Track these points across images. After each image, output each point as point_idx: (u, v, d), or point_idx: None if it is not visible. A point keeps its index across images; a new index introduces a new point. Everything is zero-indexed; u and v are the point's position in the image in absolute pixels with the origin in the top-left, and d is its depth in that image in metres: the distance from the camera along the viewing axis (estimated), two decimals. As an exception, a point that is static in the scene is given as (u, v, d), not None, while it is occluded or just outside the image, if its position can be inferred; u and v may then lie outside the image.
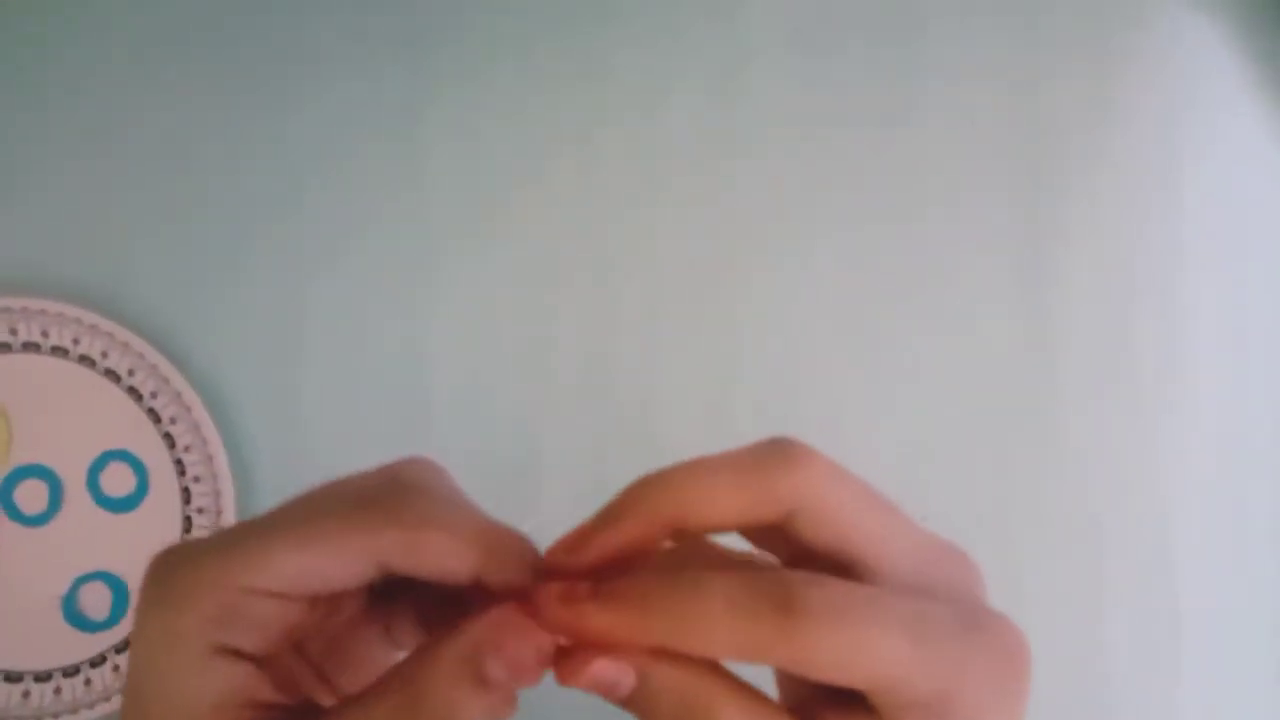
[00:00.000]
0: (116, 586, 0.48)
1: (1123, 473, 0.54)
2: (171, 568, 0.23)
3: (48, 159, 0.50)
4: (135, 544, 0.48)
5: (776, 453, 0.23)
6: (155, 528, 0.48)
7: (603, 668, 0.22)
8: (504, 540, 0.24)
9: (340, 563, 0.23)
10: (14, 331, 0.48)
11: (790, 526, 0.23)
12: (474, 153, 0.52)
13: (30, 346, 0.48)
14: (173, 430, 0.48)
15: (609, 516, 0.24)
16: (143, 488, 0.48)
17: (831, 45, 0.54)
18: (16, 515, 0.48)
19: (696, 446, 0.51)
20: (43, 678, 0.47)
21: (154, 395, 0.48)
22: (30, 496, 0.48)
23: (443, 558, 0.23)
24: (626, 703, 0.22)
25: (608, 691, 0.22)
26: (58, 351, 0.48)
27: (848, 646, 0.20)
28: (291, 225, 0.51)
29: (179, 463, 0.48)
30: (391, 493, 0.24)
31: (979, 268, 0.54)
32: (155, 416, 0.48)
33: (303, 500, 0.24)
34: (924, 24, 0.54)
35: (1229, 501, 0.55)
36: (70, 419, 0.48)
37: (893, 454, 0.53)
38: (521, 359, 0.52)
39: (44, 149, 0.50)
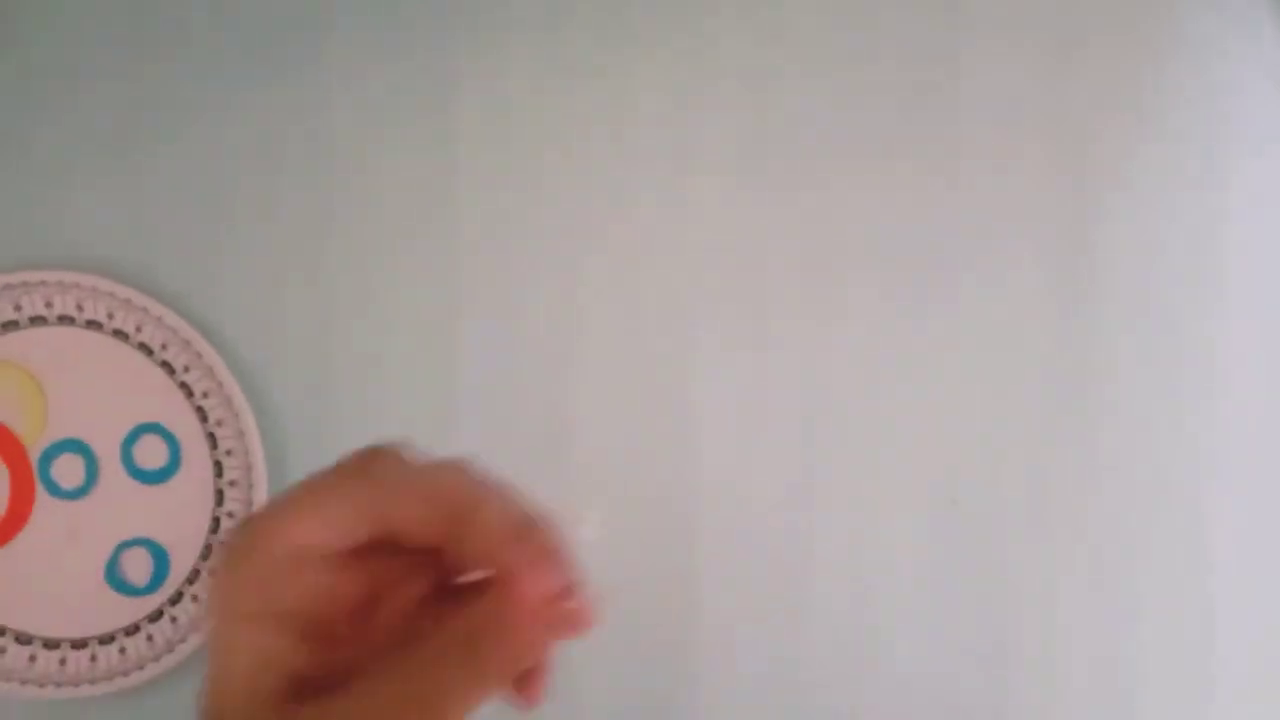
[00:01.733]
0: (157, 553, 0.49)
1: (1160, 475, 0.54)
2: (224, 544, 0.26)
3: (81, 139, 0.50)
4: (171, 516, 0.49)
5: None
6: (189, 500, 0.49)
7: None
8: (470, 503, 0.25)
9: (337, 521, 0.25)
10: (49, 305, 0.48)
11: None
12: (503, 130, 0.52)
13: (65, 320, 0.49)
14: (205, 404, 0.49)
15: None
16: (175, 461, 0.49)
17: (869, 27, 0.53)
18: (56, 490, 0.48)
19: (730, 437, 0.52)
20: (79, 645, 0.48)
21: (186, 369, 0.49)
22: (67, 471, 0.49)
23: (412, 520, 0.25)
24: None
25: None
26: (92, 325, 0.49)
27: None
28: (322, 202, 0.51)
29: (211, 436, 0.49)
30: (371, 462, 0.26)
31: (1019, 268, 0.53)
32: (188, 390, 0.49)
33: (309, 477, 0.26)
34: (964, 5, 0.53)
35: (1268, 509, 0.54)
36: (104, 393, 0.49)
37: (929, 451, 0.53)
38: (550, 340, 0.52)
39: (78, 130, 0.50)
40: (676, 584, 0.52)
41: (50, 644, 0.48)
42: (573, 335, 0.52)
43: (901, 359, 0.53)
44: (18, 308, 0.48)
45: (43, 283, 0.48)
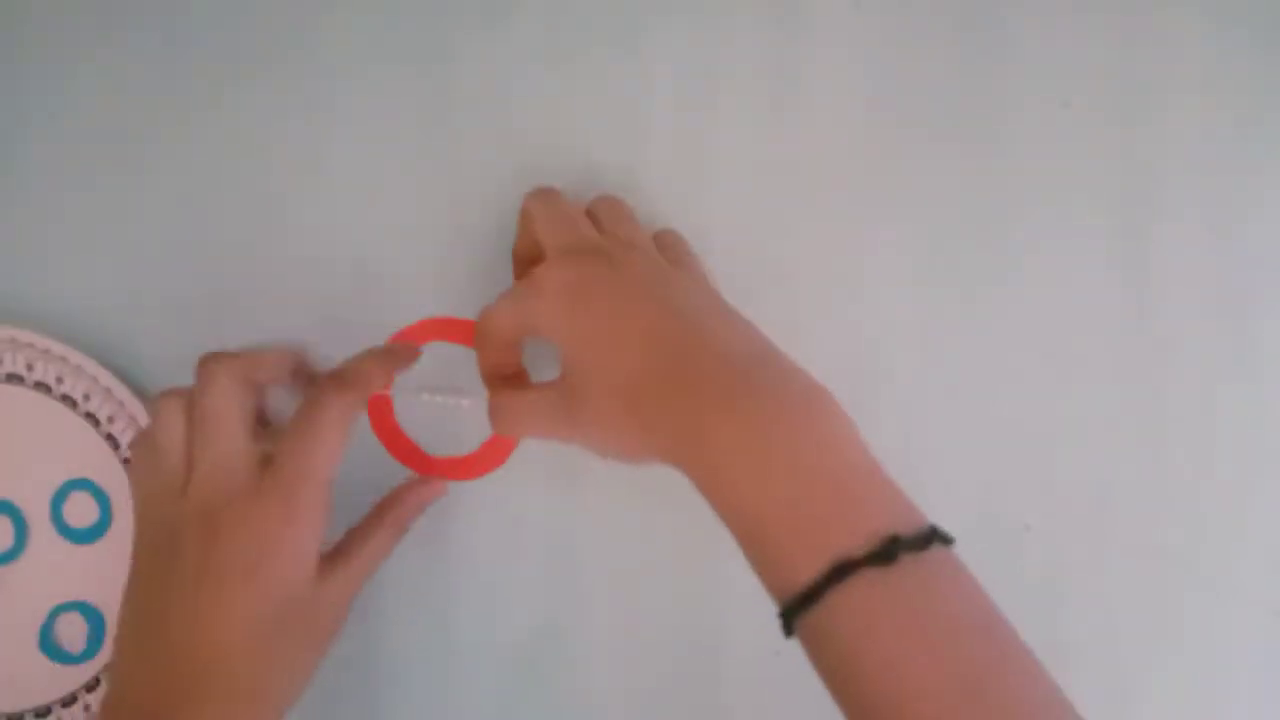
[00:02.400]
0: (92, 617, 0.46)
1: (1237, 497, 0.47)
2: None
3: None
4: (104, 576, 0.46)
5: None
6: (121, 559, 0.45)
7: None
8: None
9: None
10: (-32, 361, 0.46)
11: None
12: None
13: (-13, 376, 0.46)
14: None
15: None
16: (106, 518, 0.46)
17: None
18: (-16, 552, 0.46)
19: None
20: (15, 719, 0.45)
21: (111, 420, 0.46)
22: (-5, 533, 0.46)
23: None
24: None
25: None
26: (13, 379, 0.46)
27: None
28: (247, 241, 0.48)
29: (140, 490, 0.46)
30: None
31: (1082, 266, 0.48)
32: (114, 443, 0.46)
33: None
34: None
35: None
36: (30, 449, 0.46)
37: (981, 460, 0.48)
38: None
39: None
40: (701, 615, 0.47)
41: (-16, 718, 0.45)
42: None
43: (944, 369, 0.48)
44: (-66, 366, 0.46)
45: (-40, 337, 0.46)
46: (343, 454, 0.39)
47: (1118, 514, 0.47)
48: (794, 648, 0.47)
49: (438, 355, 0.47)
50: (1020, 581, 0.47)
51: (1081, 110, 0.48)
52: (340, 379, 0.41)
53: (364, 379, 0.41)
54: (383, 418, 0.47)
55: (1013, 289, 0.48)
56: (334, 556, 0.40)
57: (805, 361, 0.46)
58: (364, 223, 0.47)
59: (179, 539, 0.38)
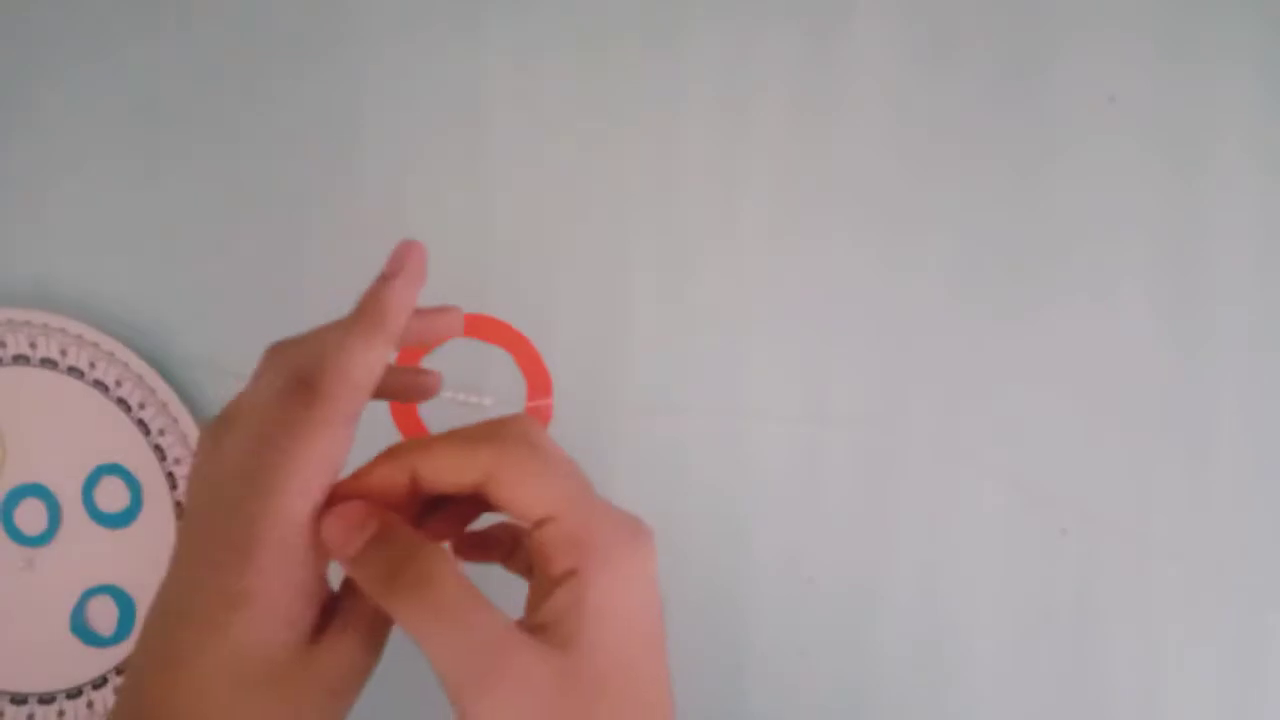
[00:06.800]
0: (123, 600, 0.46)
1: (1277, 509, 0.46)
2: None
3: (30, 173, 0.48)
4: (135, 561, 0.46)
5: (488, 429, 0.29)
6: (152, 544, 0.46)
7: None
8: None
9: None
10: (3, 344, 0.46)
11: (486, 492, 0.29)
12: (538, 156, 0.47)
13: (20, 359, 0.46)
14: (162, 442, 0.46)
15: (372, 462, 0.30)
16: (137, 502, 0.46)
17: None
18: (19, 537, 0.47)
19: (788, 449, 0.46)
20: (47, 700, 0.46)
21: (142, 406, 0.46)
22: (29, 516, 0.47)
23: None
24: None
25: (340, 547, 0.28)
26: (47, 364, 0.46)
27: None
28: (274, 232, 0.48)
29: (170, 476, 0.46)
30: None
31: (1124, 279, 0.47)
32: (145, 428, 0.46)
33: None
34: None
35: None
36: (63, 433, 0.47)
37: (1018, 464, 0.47)
38: (589, 344, 0.47)
39: (27, 164, 0.48)
40: (727, 608, 0.47)
41: (18, 699, 0.46)
42: (615, 333, 0.48)
43: (983, 373, 0.47)
44: (-30, 350, 0.46)
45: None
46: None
47: (1154, 519, 0.46)
48: (818, 647, 0.46)
49: (462, 351, 0.47)
50: (1056, 585, 0.46)
51: (1126, 106, 0.47)
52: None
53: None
54: (408, 417, 0.47)
55: (1053, 297, 0.47)
56: None
57: (839, 372, 0.46)
58: (393, 217, 0.47)
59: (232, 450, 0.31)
